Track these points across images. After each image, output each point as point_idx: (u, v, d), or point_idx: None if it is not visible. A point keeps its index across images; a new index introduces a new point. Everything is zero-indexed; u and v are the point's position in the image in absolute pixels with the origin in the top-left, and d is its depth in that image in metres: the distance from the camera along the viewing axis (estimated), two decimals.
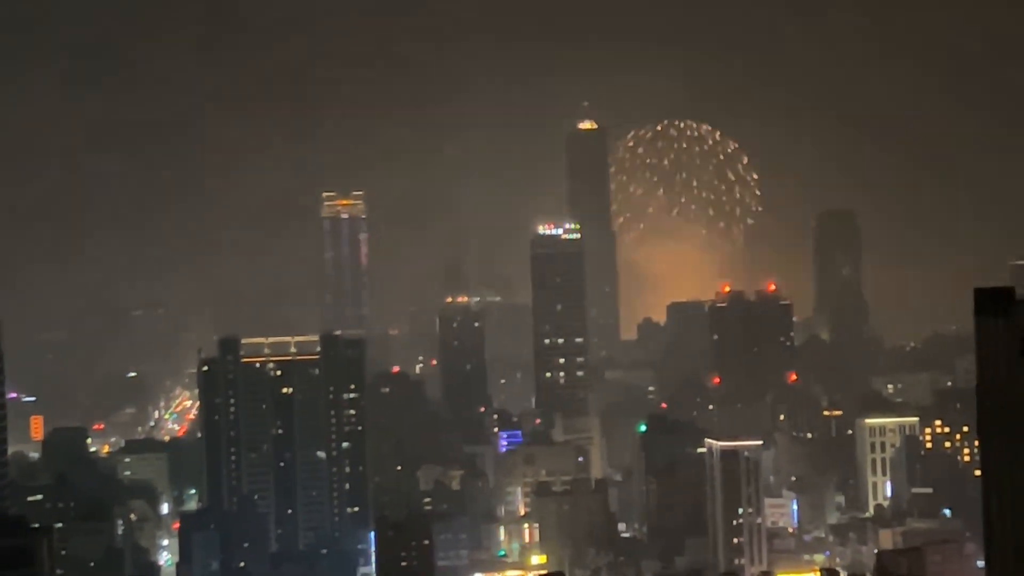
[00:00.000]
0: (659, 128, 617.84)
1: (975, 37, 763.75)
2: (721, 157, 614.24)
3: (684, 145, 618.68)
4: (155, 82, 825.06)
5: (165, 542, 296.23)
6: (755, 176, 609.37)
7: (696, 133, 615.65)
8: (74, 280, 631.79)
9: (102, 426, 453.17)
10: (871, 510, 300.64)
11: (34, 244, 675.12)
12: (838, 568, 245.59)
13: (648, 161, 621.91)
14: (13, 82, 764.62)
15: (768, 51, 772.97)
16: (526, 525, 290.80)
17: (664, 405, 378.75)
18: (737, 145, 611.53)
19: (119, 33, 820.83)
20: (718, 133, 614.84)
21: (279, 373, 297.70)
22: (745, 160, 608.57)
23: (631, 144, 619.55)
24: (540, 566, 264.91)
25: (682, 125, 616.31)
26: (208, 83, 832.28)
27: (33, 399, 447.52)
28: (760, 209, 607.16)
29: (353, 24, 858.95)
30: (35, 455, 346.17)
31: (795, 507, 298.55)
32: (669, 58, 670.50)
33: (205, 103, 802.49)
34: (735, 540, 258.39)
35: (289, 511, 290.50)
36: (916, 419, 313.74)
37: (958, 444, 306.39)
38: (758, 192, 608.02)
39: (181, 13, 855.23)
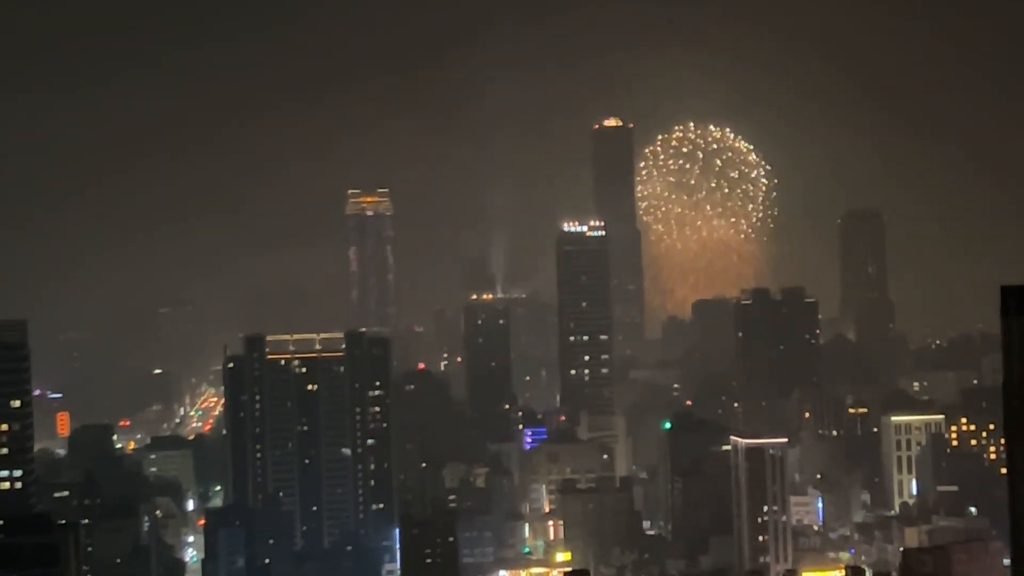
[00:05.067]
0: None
1: (1010, 36, 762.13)
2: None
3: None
4: (186, 83, 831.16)
5: (190, 539, 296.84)
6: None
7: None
8: (101, 278, 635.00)
9: (128, 423, 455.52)
10: (896, 508, 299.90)
11: (62, 243, 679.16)
12: (863, 566, 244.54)
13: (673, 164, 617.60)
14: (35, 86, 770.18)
15: (796, 49, 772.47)
16: (551, 523, 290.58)
17: (689, 403, 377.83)
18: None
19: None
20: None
21: (304, 370, 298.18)
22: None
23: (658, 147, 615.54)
24: (565, 563, 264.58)
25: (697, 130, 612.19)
26: (234, 84, 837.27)
27: (59, 396, 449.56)
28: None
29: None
30: (61, 452, 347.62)
31: (820, 505, 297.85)
32: (697, 56, 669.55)
33: (233, 103, 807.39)
34: (760, 538, 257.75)
35: (314, 508, 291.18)
36: (942, 417, 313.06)
37: (984, 442, 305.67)
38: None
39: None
